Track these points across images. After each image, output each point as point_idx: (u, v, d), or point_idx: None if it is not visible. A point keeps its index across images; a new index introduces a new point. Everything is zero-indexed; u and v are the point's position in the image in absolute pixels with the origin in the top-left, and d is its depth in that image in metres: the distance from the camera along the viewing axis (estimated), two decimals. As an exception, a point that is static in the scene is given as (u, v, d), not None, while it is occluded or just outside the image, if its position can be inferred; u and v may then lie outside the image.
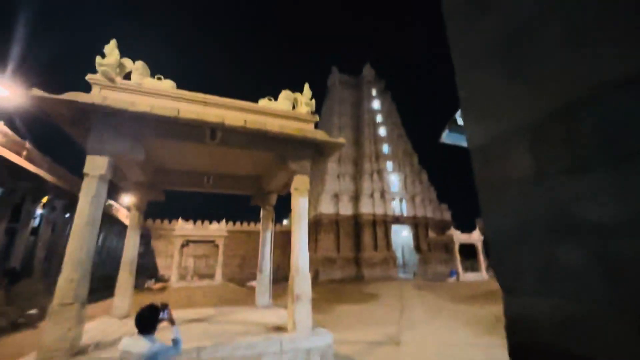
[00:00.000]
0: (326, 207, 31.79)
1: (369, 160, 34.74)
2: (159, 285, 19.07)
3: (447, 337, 6.74)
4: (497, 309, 10.52)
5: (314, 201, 33.60)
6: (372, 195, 32.84)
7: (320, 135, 4.79)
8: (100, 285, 16.82)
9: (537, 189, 1.19)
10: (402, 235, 35.38)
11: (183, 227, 19.49)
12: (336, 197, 33.06)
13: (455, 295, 14.49)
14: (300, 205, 4.74)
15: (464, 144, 3.25)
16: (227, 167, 6.25)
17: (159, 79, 4.41)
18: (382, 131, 37.58)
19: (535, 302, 1.18)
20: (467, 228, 30.45)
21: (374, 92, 40.98)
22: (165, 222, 29.56)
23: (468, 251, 31.46)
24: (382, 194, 33.16)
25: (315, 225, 31.96)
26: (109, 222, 21.98)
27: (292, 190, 4.85)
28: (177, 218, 26.93)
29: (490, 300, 12.35)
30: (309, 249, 34.29)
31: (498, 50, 1.39)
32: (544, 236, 1.17)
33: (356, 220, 32.57)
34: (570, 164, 1.10)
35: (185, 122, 4.15)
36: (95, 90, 4.00)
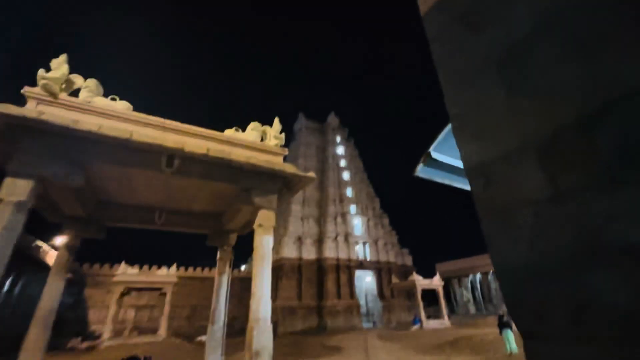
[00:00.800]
0: (289, 251, 30.62)
1: (333, 203, 34.97)
2: (87, 343, 16.07)
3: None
4: None
5: (276, 245, 32.31)
6: (336, 239, 32.47)
7: (290, 168, 4.56)
8: (14, 345, 13.75)
9: (556, 211, 0.99)
10: (365, 281, 34.72)
11: (125, 273, 17.24)
12: (299, 240, 32.19)
13: (421, 346, 13.95)
14: (264, 244, 4.29)
15: (439, 179, 3.20)
16: (183, 202, 5.67)
17: (114, 99, 4.00)
18: (345, 175, 38.63)
19: (570, 350, 0.91)
20: (428, 273, 30.86)
21: (338, 139, 42.85)
22: (106, 267, 26.11)
23: (430, 297, 31.48)
24: (346, 238, 32.97)
25: (277, 271, 30.33)
26: (34, 267, 18.83)
27: (255, 227, 4.42)
28: (119, 262, 23.94)
29: (456, 349, 11.99)
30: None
31: (494, 67, 1.30)
32: (573, 266, 0.94)
33: (319, 265, 31.58)
34: (595, 180, 0.93)
35: (138, 147, 3.70)
36: (31, 104, 3.47)
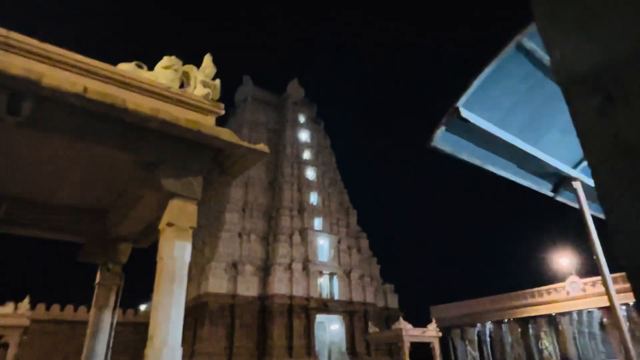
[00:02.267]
0: (217, 284, 29.82)
1: (289, 213, 34.75)
2: None
3: None
4: None
5: (196, 274, 31.31)
6: (290, 267, 32.29)
7: (226, 134, 4.15)
8: None
9: None
10: (330, 330, 34.90)
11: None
12: (234, 267, 31.55)
13: None
14: (175, 254, 3.84)
15: (465, 154, 2.98)
16: (40, 185, 4.99)
17: None
18: (310, 173, 38.63)
19: None
20: (420, 320, 31.59)
21: (301, 119, 42.77)
22: None
23: (421, 353, 32.18)
24: (305, 266, 32.95)
25: (196, 313, 29.37)
26: None
27: (162, 226, 3.97)
28: None
29: None
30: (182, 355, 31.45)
31: None
32: None
33: (263, 306, 31.19)
34: None
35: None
36: None
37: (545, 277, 36.04)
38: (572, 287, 30.31)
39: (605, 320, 30.58)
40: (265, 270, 32.62)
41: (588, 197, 3.28)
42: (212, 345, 28.25)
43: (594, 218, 3.18)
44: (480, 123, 2.79)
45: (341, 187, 40.68)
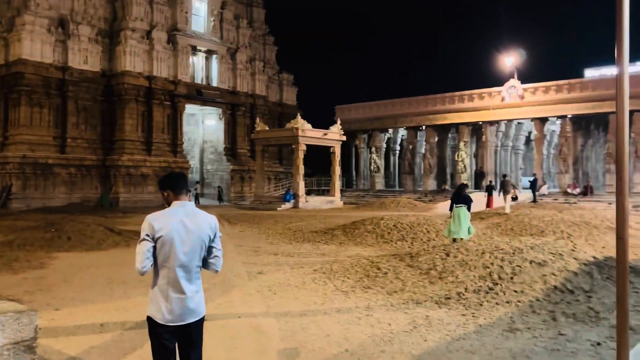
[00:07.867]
0: (36, 49, 27.05)
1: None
2: None
3: (311, 298, 6.99)
4: (370, 251, 11.62)
5: (1, 31, 27.92)
6: (148, 36, 30.17)
7: None
8: None
9: None
10: (204, 126, 35.44)
11: None
12: (62, 27, 28.43)
13: (292, 232, 15.56)
14: None
15: None
16: None
17: None
18: None
19: None
20: (321, 121, 32.81)
21: None
22: None
23: (319, 162, 34.58)
24: (172, 37, 31.23)
25: (5, 88, 27.13)
26: None
27: None
28: None
29: (352, 235, 13.64)
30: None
31: None
32: None
33: (109, 86, 29.74)
34: None
35: None
36: None
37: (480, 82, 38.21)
38: (510, 93, 32.89)
39: (535, 133, 34.68)
40: (111, 38, 30.17)
41: None
42: (34, 132, 27.03)
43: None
44: None
45: None
